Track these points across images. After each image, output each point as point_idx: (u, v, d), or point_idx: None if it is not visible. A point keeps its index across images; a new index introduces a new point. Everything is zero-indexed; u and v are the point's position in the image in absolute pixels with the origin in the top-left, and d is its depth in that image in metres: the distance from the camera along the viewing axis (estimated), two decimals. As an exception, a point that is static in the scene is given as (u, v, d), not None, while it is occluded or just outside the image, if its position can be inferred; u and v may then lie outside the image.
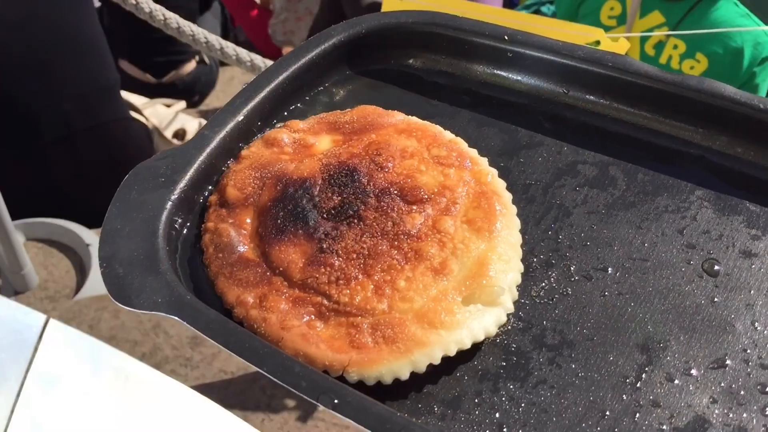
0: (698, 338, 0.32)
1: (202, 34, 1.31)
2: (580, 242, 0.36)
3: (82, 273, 1.78)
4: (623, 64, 0.40)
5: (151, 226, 0.33)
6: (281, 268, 0.33)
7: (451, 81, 0.43)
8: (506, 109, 0.42)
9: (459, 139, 0.39)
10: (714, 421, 0.29)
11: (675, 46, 1.54)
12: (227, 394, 1.34)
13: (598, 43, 1.12)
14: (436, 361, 0.31)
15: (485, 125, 0.41)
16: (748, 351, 0.32)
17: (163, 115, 2.39)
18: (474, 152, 0.38)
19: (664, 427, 0.29)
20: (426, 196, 0.35)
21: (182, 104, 2.51)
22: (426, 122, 0.39)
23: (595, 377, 0.31)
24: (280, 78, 0.41)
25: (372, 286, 0.32)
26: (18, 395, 0.88)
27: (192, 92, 3.08)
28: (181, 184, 0.35)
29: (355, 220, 0.34)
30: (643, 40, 1.54)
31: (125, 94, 2.22)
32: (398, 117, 0.40)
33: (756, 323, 0.33)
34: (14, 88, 1.85)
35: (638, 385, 0.31)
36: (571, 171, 0.39)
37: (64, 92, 1.91)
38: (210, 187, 0.37)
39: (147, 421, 0.96)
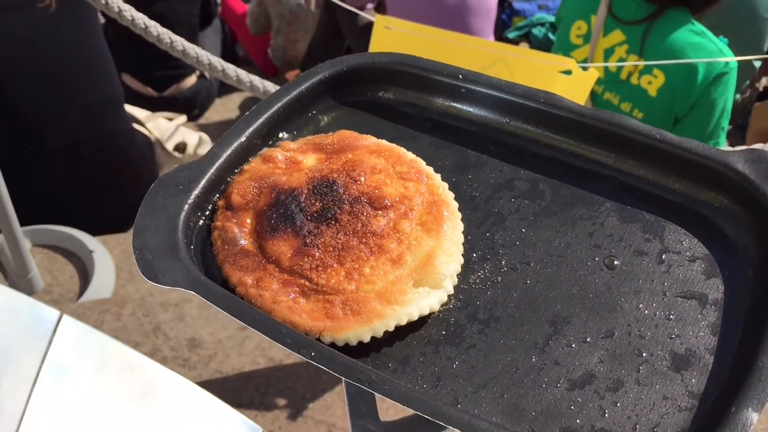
0: (594, 316, 0.42)
1: (205, 55, 1.41)
2: (511, 242, 0.45)
3: (85, 278, 1.87)
4: (552, 100, 0.49)
5: (172, 223, 0.43)
6: (273, 258, 0.43)
7: (415, 111, 0.53)
8: (459, 134, 0.51)
9: (419, 159, 0.48)
10: (599, 376, 0.39)
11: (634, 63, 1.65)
12: (223, 391, 1.42)
13: (569, 72, 1.23)
14: (391, 328, 0.40)
15: (442, 147, 0.51)
16: (631, 325, 0.41)
17: (165, 129, 2.47)
18: (430, 169, 0.48)
19: (561, 379, 0.39)
20: (389, 204, 0.44)
21: (183, 118, 2.59)
22: (393, 144, 0.49)
23: (513, 343, 0.40)
24: (276, 106, 0.51)
25: (344, 272, 0.42)
26: (34, 383, 0.97)
27: (192, 106, 3.15)
28: (196, 191, 0.44)
29: (333, 222, 0.43)
30: (607, 57, 1.64)
31: (128, 107, 2.30)
32: (370, 140, 0.49)
33: (640, 305, 0.42)
34: (22, 99, 1.93)
35: (545, 349, 0.40)
36: (508, 186, 0.49)
37: (70, 104, 1.99)
38: (218, 194, 0.46)
39: (150, 410, 1.04)
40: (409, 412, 0.37)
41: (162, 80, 2.99)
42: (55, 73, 1.97)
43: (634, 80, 1.74)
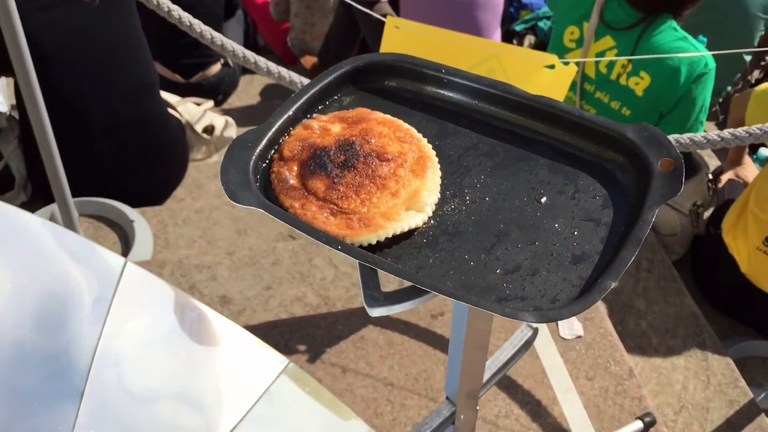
0: (525, 231, 0.63)
1: (229, 43, 1.60)
2: (473, 185, 0.67)
3: (126, 244, 2.09)
4: (506, 88, 0.70)
5: (245, 167, 0.64)
6: (312, 191, 0.64)
7: (411, 95, 0.74)
8: (441, 112, 0.72)
9: (412, 128, 0.69)
10: (524, 267, 0.60)
11: (623, 65, 1.85)
12: (251, 338, 1.64)
13: (553, 66, 1.43)
14: (390, 236, 0.61)
15: (428, 121, 0.72)
16: (549, 238, 0.62)
17: (194, 112, 2.69)
18: (419, 135, 0.69)
19: (499, 269, 0.60)
20: (390, 157, 0.66)
21: (210, 103, 2.81)
22: (394, 118, 0.70)
23: (469, 247, 0.61)
24: (312, 90, 0.72)
25: (359, 200, 0.63)
26: (106, 317, 1.18)
27: (217, 92, 3.36)
28: (259, 147, 0.66)
29: (352, 168, 0.65)
30: (598, 60, 1.84)
31: (161, 93, 2.50)
32: (379, 115, 0.70)
33: (556, 225, 0.63)
34: (71, 85, 2.15)
35: (490, 251, 0.61)
36: (474, 148, 0.70)
37: (112, 89, 2.22)
38: (274, 150, 0.68)
39: (200, 340, 1.26)
40: (402, 287, 0.58)
41: (189, 68, 3.19)
42: (99, 60, 2.19)
43: (622, 81, 1.94)
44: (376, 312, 0.59)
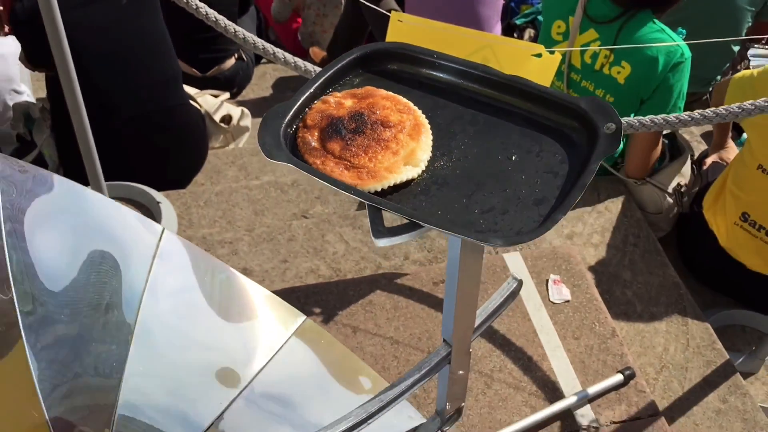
0: (498, 182, 0.79)
1: (249, 36, 1.77)
2: (458, 146, 0.83)
3: (153, 224, 2.26)
4: (486, 69, 0.87)
5: (277, 132, 0.81)
6: (330, 151, 0.81)
7: (409, 76, 0.91)
8: (433, 89, 0.89)
9: (410, 102, 0.86)
10: (497, 208, 0.77)
11: (606, 56, 2.02)
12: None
13: (540, 55, 1.60)
14: (391, 184, 0.78)
15: (424, 97, 0.89)
16: (516, 186, 0.79)
17: (212, 103, 2.87)
18: (416, 107, 0.85)
19: (477, 210, 0.77)
20: (392, 124, 0.82)
21: (226, 95, 2.99)
22: (395, 94, 0.87)
23: (454, 194, 0.78)
24: (329, 73, 0.89)
25: (367, 158, 0.80)
26: (146, 281, 1.35)
27: (232, 85, 3.54)
28: (288, 117, 0.83)
29: (361, 133, 0.82)
30: (583, 52, 2.00)
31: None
32: (383, 92, 0.87)
33: (523, 176, 0.80)
34: (100, 78, 2.33)
35: (470, 197, 0.78)
36: (460, 118, 0.87)
37: (138, 82, 2.40)
38: (299, 119, 0.85)
39: (227, 294, 1.43)
40: (401, 223, 0.75)
41: (205, 62, 3.37)
42: (127, 55, 2.37)
43: (605, 71, 2.11)
44: (381, 242, 0.76)
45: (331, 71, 0.89)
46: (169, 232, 1.42)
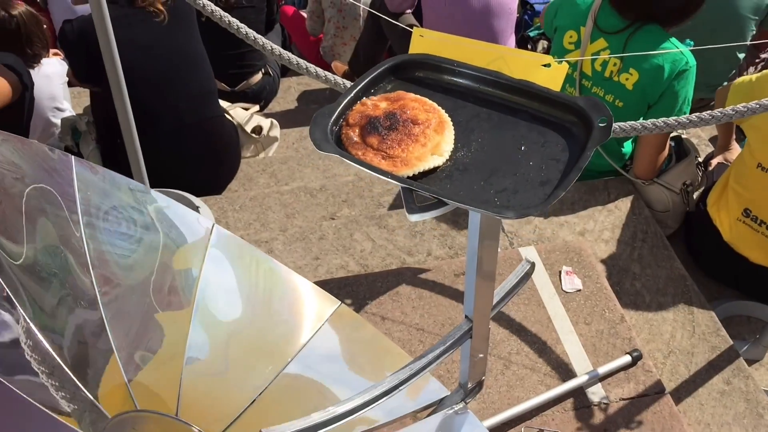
0: (510, 166, 0.95)
1: (277, 49, 1.93)
2: (476, 140, 0.99)
3: (192, 227, 2.44)
4: (497, 75, 1.03)
5: (325, 130, 0.97)
6: (369, 144, 0.97)
7: (433, 81, 1.07)
8: (455, 92, 1.06)
9: (434, 103, 1.02)
10: (509, 188, 0.92)
11: (615, 64, 2.17)
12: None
13: (548, 65, 1.76)
14: (421, 171, 0.94)
15: (446, 99, 1.05)
16: (525, 170, 0.94)
17: (243, 116, 3.05)
18: (440, 108, 1.02)
19: (492, 190, 0.92)
20: (420, 122, 0.99)
21: (256, 107, 3.18)
22: (423, 97, 1.03)
23: (473, 178, 0.94)
24: (365, 81, 1.05)
25: (400, 149, 0.96)
26: (201, 268, 1.52)
27: (259, 98, 3.73)
28: (333, 117, 0.99)
29: (395, 130, 0.98)
30: (593, 60, 2.16)
31: (216, 99, 2.86)
32: (412, 95, 1.04)
33: (530, 162, 0.95)
34: (144, 93, 2.51)
35: (488, 180, 0.94)
36: (477, 116, 1.03)
37: (178, 95, 2.58)
38: (342, 119, 1.01)
39: (270, 283, 1.59)
40: (429, 202, 0.91)
41: (234, 77, 3.57)
42: (167, 71, 2.56)
43: (615, 78, 2.26)
44: (414, 217, 0.92)
45: (368, 79, 1.05)
46: (218, 226, 1.59)
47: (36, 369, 1.03)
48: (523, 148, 0.98)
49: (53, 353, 1.11)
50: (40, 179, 1.29)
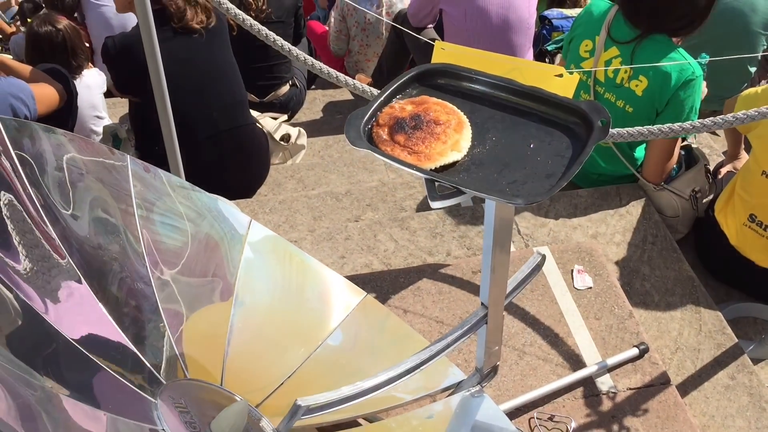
0: (521, 161, 1.08)
1: (309, 59, 2.07)
2: (490, 138, 1.13)
3: (225, 228, 2.59)
4: (510, 82, 1.17)
5: (359, 129, 1.11)
6: (397, 141, 1.11)
7: (453, 88, 1.21)
8: (472, 97, 1.19)
9: (454, 107, 1.16)
10: (518, 180, 1.06)
11: (626, 71, 2.30)
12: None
13: (561, 75, 1.90)
14: (442, 164, 1.08)
15: (464, 103, 1.19)
16: (532, 165, 1.08)
17: (272, 125, 3.21)
18: (459, 111, 1.16)
19: (503, 181, 1.06)
20: (442, 122, 1.13)
21: (284, 117, 3.34)
22: (444, 101, 1.17)
23: (488, 171, 1.08)
24: (393, 87, 1.20)
25: (424, 146, 1.10)
26: (240, 258, 1.66)
27: (286, 109, 3.89)
28: (365, 118, 1.13)
29: (419, 129, 1.12)
30: (606, 66, 2.29)
31: (247, 108, 3.02)
32: (434, 99, 1.18)
33: (539, 158, 1.09)
34: (181, 101, 2.66)
35: (501, 172, 1.07)
36: (492, 118, 1.16)
37: (213, 105, 2.74)
38: (374, 119, 1.15)
39: (301, 274, 1.73)
40: (449, 192, 1.05)
41: (263, 88, 3.73)
42: (202, 83, 2.73)
43: (625, 84, 2.39)
44: (436, 204, 1.06)
45: (395, 85, 1.20)
46: (255, 222, 1.74)
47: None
48: (532, 145, 1.12)
49: (117, 327, 1.26)
50: (102, 175, 1.45)
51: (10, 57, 3.48)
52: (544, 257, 1.52)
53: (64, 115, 2.77)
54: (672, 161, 2.50)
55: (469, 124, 1.14)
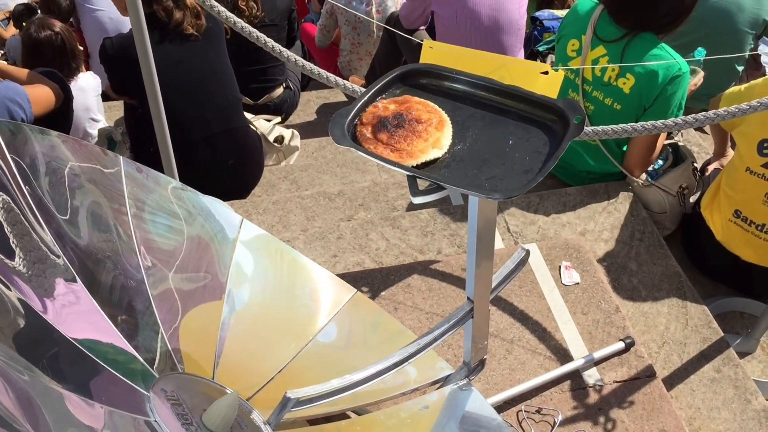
0: (501, 155, 1.12)
1: (301, 61, 2.11)
2: (471, 136, 1.17)
3: (220, 228, 2.62)
4: (491, 81, 1.21)
5: (343, 128, 1.15)
6: (379, 139, 1.14)
7: (436, 87, 1.25)
8: (453, 96, 1.23)
9: (436, 105, 1.20)
10: (496, 175, 1.10)
11: (613, 69, 2.34)
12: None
13: (546, 72, 1.93)
14: (423, 161, 1.11)
15: (445, 102, 1.23)
16: (510, 157, 1.12)
17: (265, 127, 3.24)
18: (440, 109, 1.19)
19: (483, 177, 1.10)
20: (423, 121, 1.16)
21: (278, 119, 3.37)
22: (426, 100, 1.21)
23: (467, 167, 1.11)
24: (377, 86, 1.23)
25: (406, 144, 1.13)
26: (232, 256, 1.69)
27: (280, 111, 3.93)
28: (349, 117, 1.17)
29: (402, 127, 1.15)
30: (593, 65, 2.33)
31: (241, 110, 3.06)
32: (417, 99, 1.21)
33: (517, 155, 1.13)
34: (175, 103, 2.71)
35: (480, 168, 1.11)
36: (472, 117, 1.20)
37: (207, 106, 2.78)
38: (358, 119, 1.19)
39: (293, 272, 1.76)
40: (430, 187, 1.08)
41: (256, 91, 3.77)
42: (197, 83, 2.76)
43: (613, 82, 2.43)
44: (417, 200, 1.10)
45: (379, 85, 1.23)
46: (247, 221, 1.77)
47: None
48: (510, 142, 1.15)
49: (111, 324, 1.29)
50: (95, 176, 1.48)
51: (5, 62, 3.52)
52: (528, 252, 1.55)
53: (61, 117, 2.80)
54: (654, 154, 2.54)
55: (450, 122, 1.18)
